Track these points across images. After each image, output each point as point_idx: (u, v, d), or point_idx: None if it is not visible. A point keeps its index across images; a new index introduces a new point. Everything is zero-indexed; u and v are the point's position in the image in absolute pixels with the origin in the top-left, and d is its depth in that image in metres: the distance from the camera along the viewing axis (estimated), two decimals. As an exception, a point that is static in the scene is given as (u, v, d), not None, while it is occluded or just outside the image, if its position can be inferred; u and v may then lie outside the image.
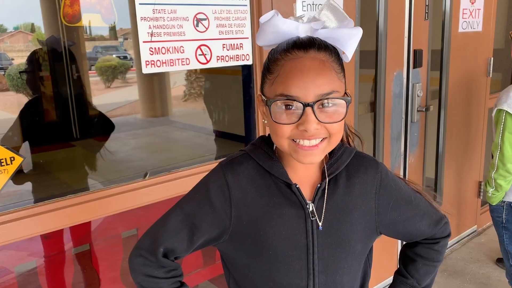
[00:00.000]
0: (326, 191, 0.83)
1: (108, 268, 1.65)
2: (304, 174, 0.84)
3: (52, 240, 1.51)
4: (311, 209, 0.82)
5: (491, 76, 2.96)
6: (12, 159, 1.26)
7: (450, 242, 3.02)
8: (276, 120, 0.75)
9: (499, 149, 1.86)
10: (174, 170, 1.59)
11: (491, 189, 1.94)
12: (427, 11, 2.41)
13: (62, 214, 1.33)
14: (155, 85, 4.73)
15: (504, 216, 1.99)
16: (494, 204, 1.99)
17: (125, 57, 8.08)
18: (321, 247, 0.82)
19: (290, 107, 0.74)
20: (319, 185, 0.83)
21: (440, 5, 2.58)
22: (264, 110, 0.81)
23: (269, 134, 0.84)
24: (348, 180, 0.85)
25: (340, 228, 0.83)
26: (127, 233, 1.70)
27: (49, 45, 2.17)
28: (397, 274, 1.03)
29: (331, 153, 0.85)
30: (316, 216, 0.82)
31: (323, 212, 0.82)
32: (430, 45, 2.49)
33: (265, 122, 0.81)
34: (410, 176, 2.56)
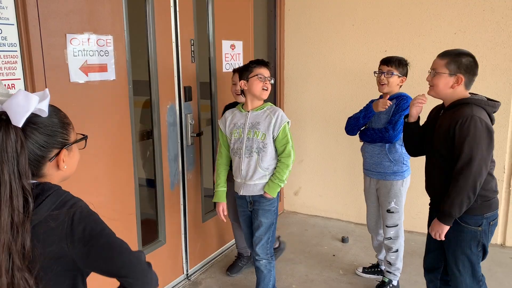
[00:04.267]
0: None
1: None
2: None
3: None
4: None
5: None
6: None
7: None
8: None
9: None
10: None
11: None
12: (193, 55, 2.97)
13: None
14: None
15: None
16: None
17: None
18: None
19: None
20: None
21: (208, 51, 3.20)
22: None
23: None
24: None
25: None
26: None
27: None
28: None
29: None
30: None
31: None
32: (198, 82, 3.06)
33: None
34: (189, 190, 3.06)
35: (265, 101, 2.54)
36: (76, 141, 1.15)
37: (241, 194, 2.54)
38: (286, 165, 2.44)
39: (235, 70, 2.87)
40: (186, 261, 3.10)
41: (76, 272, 1.09)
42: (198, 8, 3.01)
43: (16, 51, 1.90)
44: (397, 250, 2.86)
